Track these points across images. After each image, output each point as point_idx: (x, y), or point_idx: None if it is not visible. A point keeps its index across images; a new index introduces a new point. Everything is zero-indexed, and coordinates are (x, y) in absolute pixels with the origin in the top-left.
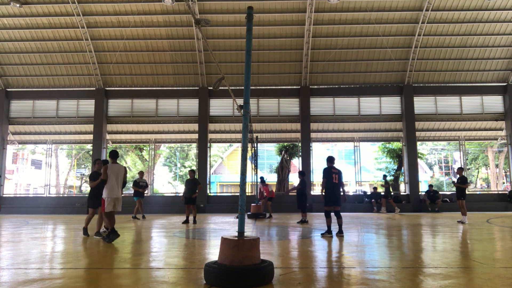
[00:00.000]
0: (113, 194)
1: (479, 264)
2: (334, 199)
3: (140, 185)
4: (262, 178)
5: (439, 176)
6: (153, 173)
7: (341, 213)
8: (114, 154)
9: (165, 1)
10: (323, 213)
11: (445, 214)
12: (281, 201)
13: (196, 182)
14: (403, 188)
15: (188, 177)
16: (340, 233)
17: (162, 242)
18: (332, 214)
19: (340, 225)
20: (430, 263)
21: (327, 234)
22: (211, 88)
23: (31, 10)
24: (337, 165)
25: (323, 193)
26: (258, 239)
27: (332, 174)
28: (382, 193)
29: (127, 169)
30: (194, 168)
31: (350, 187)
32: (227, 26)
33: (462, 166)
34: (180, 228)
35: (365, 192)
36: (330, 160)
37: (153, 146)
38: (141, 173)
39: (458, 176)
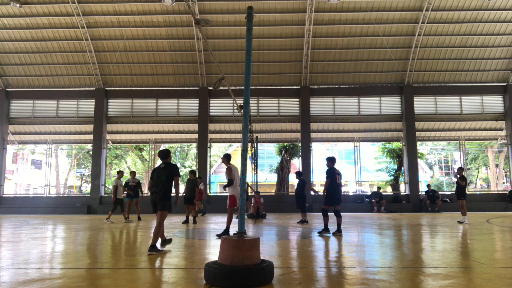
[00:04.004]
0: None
1: (479, 264)
2: (337, 198)
3: (129, 185)
4: (200, 177)
5: (439, 176)
6: None
7: (341, 213)
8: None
9: (165, 1)
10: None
11: (445, 214)
12: (281, 201)
13: (195, 184)
14: (403, 188)
15: (188, 177)
16: (338, 232)
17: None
18: (331, 213)
19: (339, 224)
20: (430, 263)
21: (324, 232)
22: (211, 88)
23: (31, 10)
24: (337, 165)
25: (325, 193)
26: (258, 239)
27: (335, 175)
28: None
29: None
30: (194, 168)
31: (350, 187)
32: (227, 26)
33: (462, 166)
34: (180, 228)
35: (374, 193)
36: (333, 160)
37: (153, 146)
38: (132, 173)
39: (458, 176)
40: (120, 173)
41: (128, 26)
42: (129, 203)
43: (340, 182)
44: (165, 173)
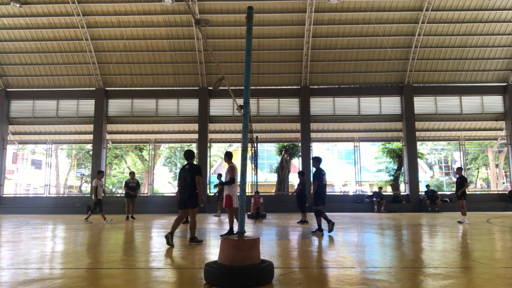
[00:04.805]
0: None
1: (479, 264)
2: (324, 199)
3: (130, 186)
4: None
5: (439, 176)
6: (153, 173)
7: (341, 213)
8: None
9: (165, 1)
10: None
11: (445, 214)
12: (281, 201)
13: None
14: (403, 188)
15: None
16: (320, 231)
17: (162, 242)
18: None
19: (319, 224)
20: (430, 263)
21: (318, 232)
22: (211, 88)
23: (31, 10)
24: (336, 165)
25: (313, 195)
26: (258, 239)
27: (322, 176)
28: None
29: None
30: None
31: (350, 187)
32: (227, 26)
33: (462, 166)
34: (180, 228)
35: (376, 193)
36: (319, 160)
37: (153, 146)
38: (132, 174)
39: (457, 176)
40: (101, 174)
41: (128, 26)
42: (129, 203)
43: (325, 182)
44: (190, 173)
